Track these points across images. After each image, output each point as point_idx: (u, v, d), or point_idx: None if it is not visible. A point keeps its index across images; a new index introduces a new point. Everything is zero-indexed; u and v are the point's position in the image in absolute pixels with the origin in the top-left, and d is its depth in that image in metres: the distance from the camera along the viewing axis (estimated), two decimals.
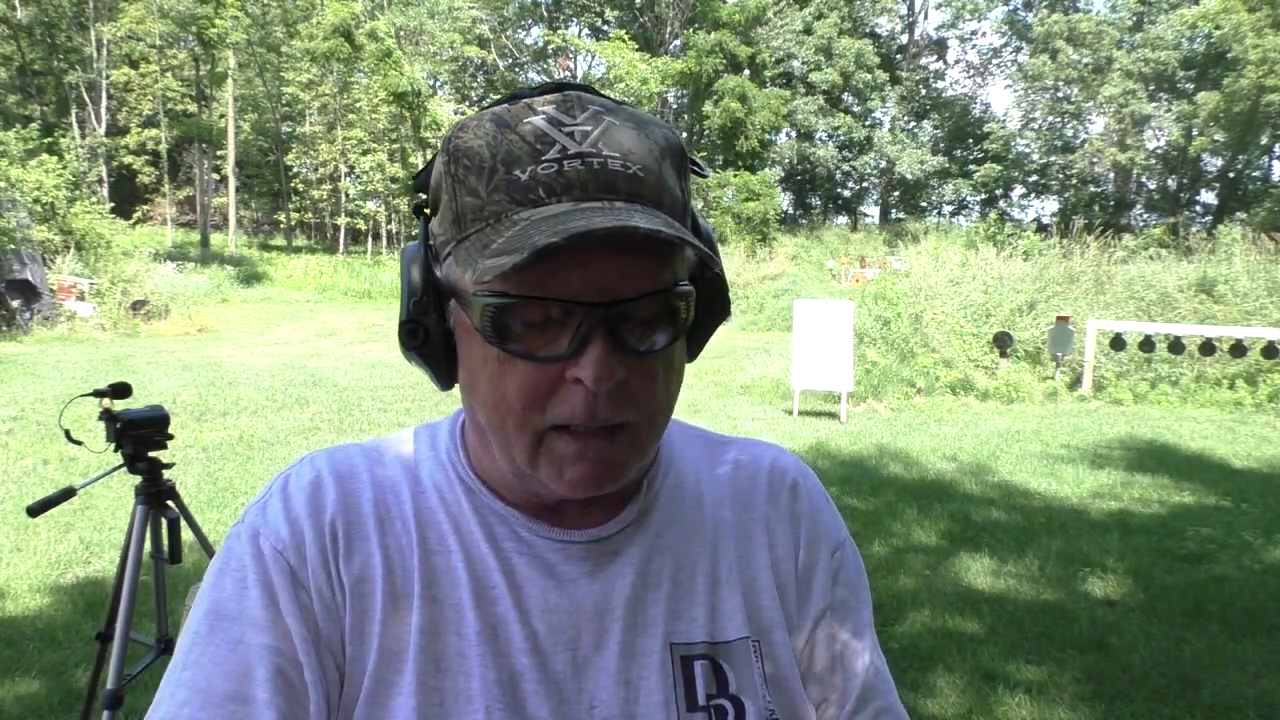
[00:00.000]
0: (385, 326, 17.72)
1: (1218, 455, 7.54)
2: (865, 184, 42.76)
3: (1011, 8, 40.57)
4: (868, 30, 40.28)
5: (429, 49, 35.37)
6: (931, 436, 8.09)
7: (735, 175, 31.68)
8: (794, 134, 39.48)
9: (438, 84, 38.88)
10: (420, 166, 0.71)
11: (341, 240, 37.16)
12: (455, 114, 32.85)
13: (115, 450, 2.36)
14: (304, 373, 11.31)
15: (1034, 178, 40.42)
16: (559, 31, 38.48)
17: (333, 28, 28.73)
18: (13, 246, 14.26)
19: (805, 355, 9.08)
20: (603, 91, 0.66)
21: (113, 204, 21.69)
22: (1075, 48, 36.12)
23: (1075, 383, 11.06)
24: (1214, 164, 37.32)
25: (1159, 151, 37.68)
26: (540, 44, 40.90)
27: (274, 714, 0.61)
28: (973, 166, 39.49)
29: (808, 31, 36.74)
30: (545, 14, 42.36)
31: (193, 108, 36.56)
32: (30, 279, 14.48)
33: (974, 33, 48.35)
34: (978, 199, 40.82)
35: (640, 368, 0.61)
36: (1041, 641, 3.67)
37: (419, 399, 9.22)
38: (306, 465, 0.71)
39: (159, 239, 30.01)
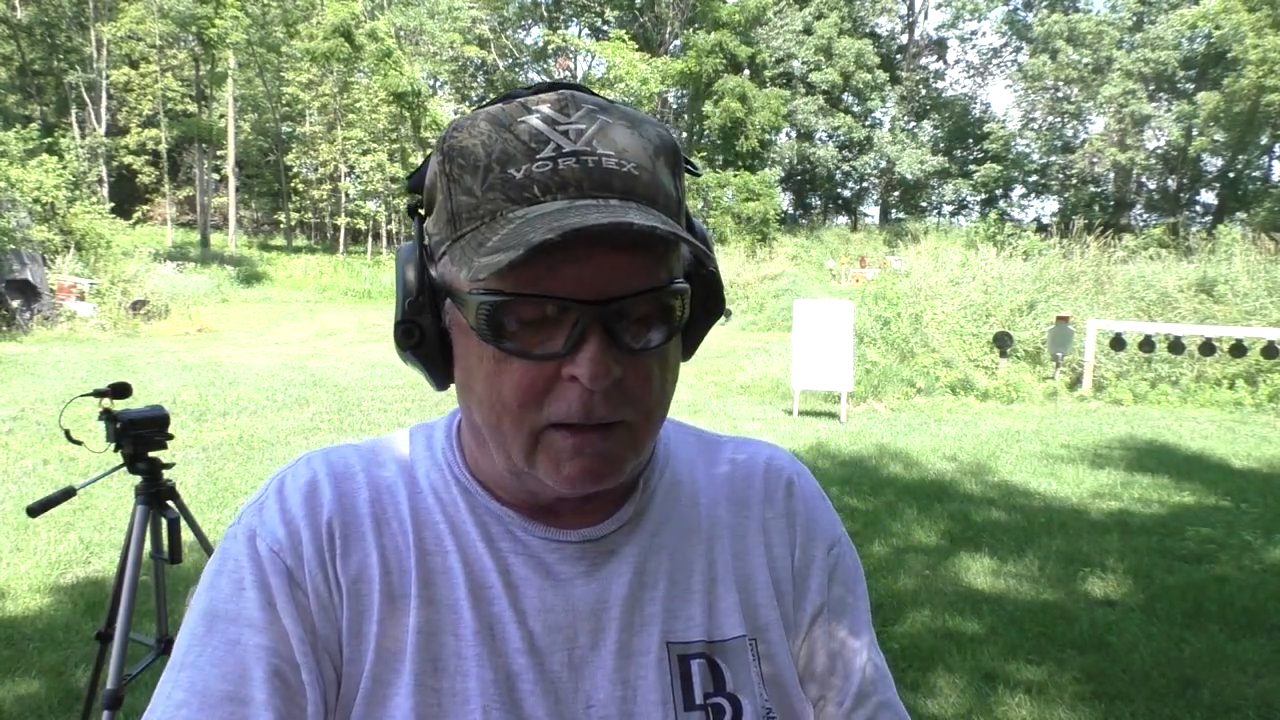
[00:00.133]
0: (385, 326, 17.72)
1: (1218, 455, 7.54)
2: (865, 184, 42.77)
3: (1011, 8, 40.60)
4: (868, 30, 40.28)
5: (429, 49, 35.39)
6: (931, 436, 8.09)
7: (735, 175, 31.67)
8: (794, 134, 39.50)
9: (438, 84, 38.91)
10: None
11: (341, 240, 37.17)
12: (455, 114, 32.84)
13: (115, 450, 2.36)
14: (304, 373, 11.31)
15: (1034, 178, 40.43)
16: (559, 31, 38.50)
17: (333, 28, 28.74)
18: (13, 246, 14.26)
19: (805, 355, 9.08)
20: (602, 91, 0.66)
21: (113, 204, 21.70)
22: (1075, 48, 36.12)
23: (1075, 383, 11.06)
24: (1214, 164, 37.32)
25: (1159, 151, 37.68)
26: (540, 44, 40.93)
27: (272, 715, 0.61)
28: (973, 166, 39.50)
29: (808, 31, 36.75)
30: (545, 14, 42.38)
31: (193, 108, 36.58)
32: (30, 279, 14.48)
33: (974, 33, 48.49)
34: (978, 199, 40.83)
35: (636, 365, 0.61)
36: (1041, 641, 3.67)
37: (419, 399, 9.22)
38: (303, 466, 0.71)
39: (159, 239, 30.02)
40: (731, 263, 24.29)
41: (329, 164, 37.46)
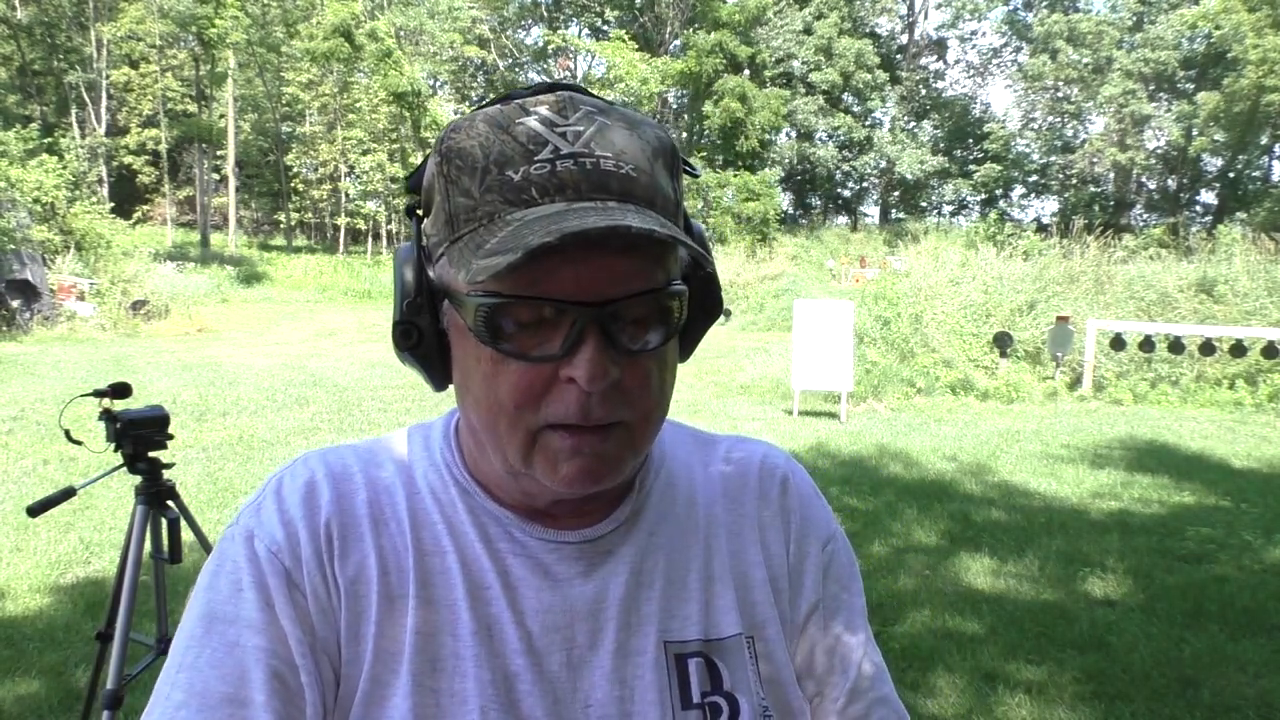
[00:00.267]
0: (385, 326, 17.57)
1: (1218, 455, 7.54)
2: (865, 184, 42.77)
3: (1011, 8, 40.59)
4: (868, 30, 40.28)
5: (429, 49, 35.39)
6: (931, 436, 8.09)
7: (735, 175, 31.66)
8: (794, 134, 39.50)
9: (438, 84, 38.91)
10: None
11: (341, 240, 37.18)
12: (455, 114, 32.82)
13: (115, 450, 2.36)
14: (304, 373, 11.31)
15: (1034, 178, 40.43)
16: (559, 31, 38.50)
17: (333, 28, 28.75)
18: (13, 246, 14.26)
19: (805, 355, 9.08)
20: (602, 92, 0.66)
21: (113, 204, 21.71)
22: (1075, 48, 36.11)
23: (1075, 383, 11.06)
24: (1214, 164, 37.32)
25: (1159, 151, 37.68)
26: (540, 44, 40.93)
27: (271, 716, 0.61)
28: (973, 166, 39.50)
29: (808, 31, 36.74)
30: (545, 14, 42.37)
31: (193, 108, 36.59)
32: (30, 279, 14.48)
33: (974, 33, 48.46)
34: (978, 199, 40.82)
35: (634, 367, 0.61)
36: (1041, 641, 3.67)
37: (419, 399, 9.22)
38: (300, 466, 0.71)
39: (159, 239, 30.02)
40: (731, 263, 24.29)
41: (329, 164, 37.47)
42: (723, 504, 0.77)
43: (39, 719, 2.92)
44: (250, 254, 31.68)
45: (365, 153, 34.54)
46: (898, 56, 42.32)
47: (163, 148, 35.79)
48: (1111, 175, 39.01)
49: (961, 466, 6.88)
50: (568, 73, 40.28)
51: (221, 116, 34.99)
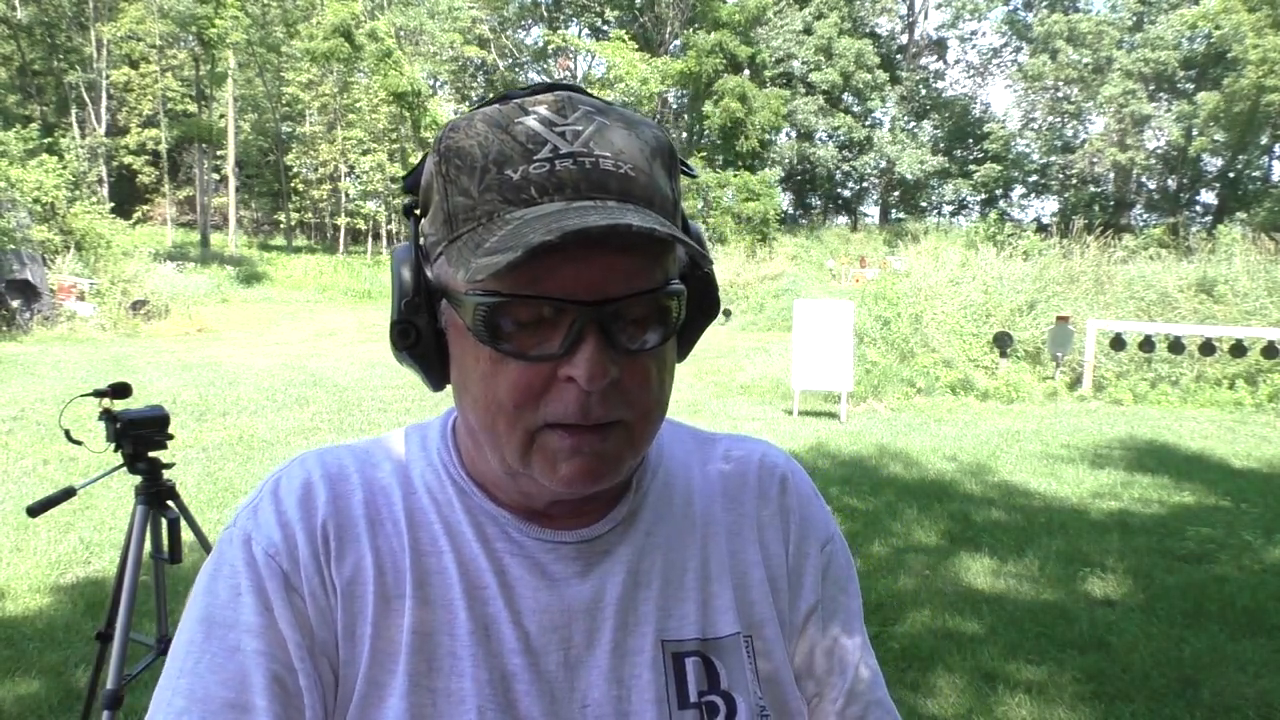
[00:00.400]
0: (384, 326, 17.46)
1: (1218, 455, 7.54)
2: (865, 184, 42.77)
3: (1011, 8, 40.60)
4: (868, 30, 40.28)
5: (429, 49, 35.40)
6: (931, 436, 8.09)
7: (735, 175, 31.67)
8: (794, 134, 39.50)
9: (438, 84, 38.92)
10: None
11: (341, 240, 37.19)
12: (455, 114, 32.83)
13: (115, 450, 2.36)
14: (304, 373, 11.31)
15: (1034, 178, 40.43)
16: (559, 31, 38.51)
17: (333, 28, 28.75)
18: (13, 246, 14.27)
19: (805, 355, 9.08)
20: (602, 92, 0.66)
21: (113, 204, 21.72)
22: (1075, 48, 36.11)
23: (1075, 383, 11.06)
24: (1214, 164, 37.32)
25: (1159, 151, 37.68)
26: (540, 44, 40.94)
27: None
28: (973, 166, 39.50)
29: (808, 31, 36.74)
30: (545, 14, 42.38)
31: (193, 108, 36.59)
32: (30, 279, 14.48)
33: (974, 33, 48.49)
34: (978, 199, 40.82)
35: (633, 366, 0.61)
36: (1041, 641, 3.67)
37: (419, 399, 9.22)
38: (297, 467, 0.70)
39: (159, 239, 30.02)
40: (731, 263, 24.29)
41: (329, 164, 37.48)
42: (721, 503, 0.76)
43: (39, 719, 2.92)
44: (250, 254, 31.68)
45: (365, 153, 34.55)
46: (898, 56, 42.32)
47: (163, 148, 35.79)
48: (1111, 175, 39.02)
49: (961, 466, 6.88)
50: (568, 73, 40.29)
51: (221, 116, 35.00)
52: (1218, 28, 31.39)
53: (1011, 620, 3.89)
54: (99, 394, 2.35)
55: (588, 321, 0.58)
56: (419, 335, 0.65)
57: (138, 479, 2.39)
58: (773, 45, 35.80)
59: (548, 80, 0.68)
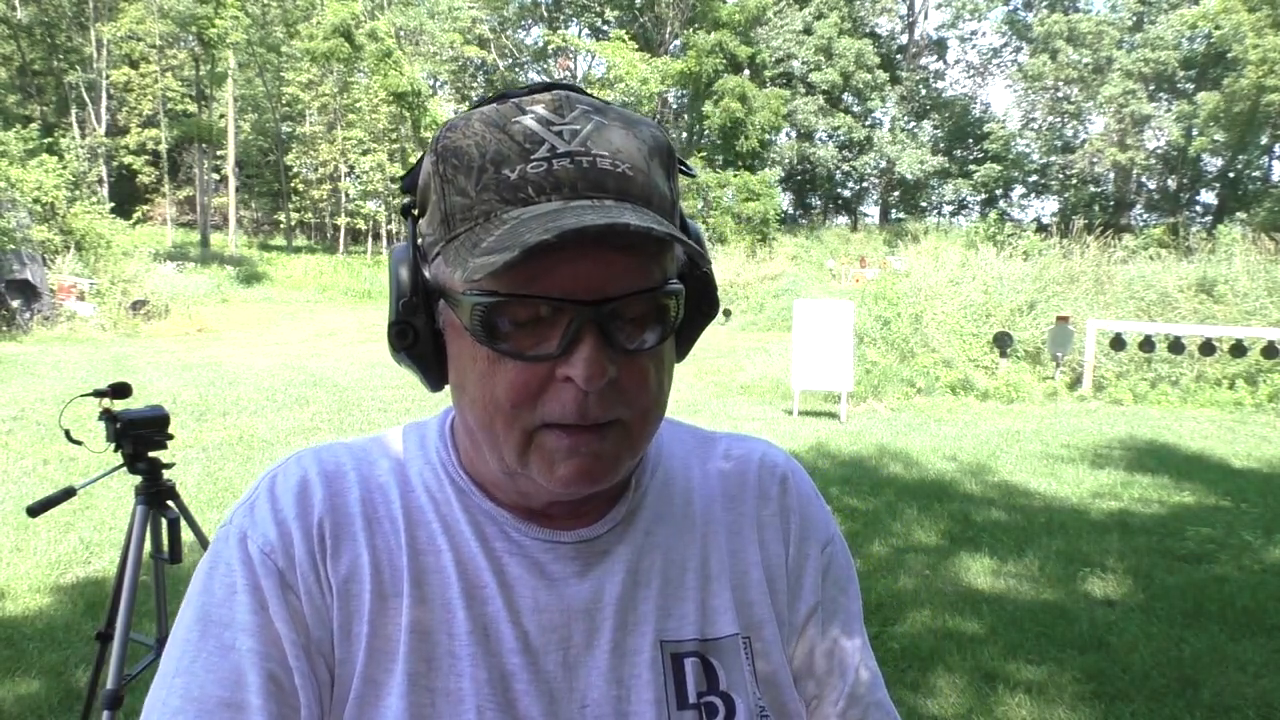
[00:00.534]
0: (384, 326, 17.53)
1: (1218, 455, 7.54)
2: (865, 184, 42.77)
3: (1011, 8, 40.59)
4: (868, 30, 40.28)
5: (429, 49, 35.40)
6: (931, 436, 8.09)
7: (735, 175, 31.67)
8: (794, 134, 39.50)
9: (438, 84, 38.92)
10: None
11: (341, 240, 37.19)
12: (454, 114, 32.85)
13: (115, 450, 2.36)
14: (304, 373, 11.31)
15: (1034, 178, 40.42)
16: (559, 31, 38.50)
17: (333, 28, 28.76)
18: (13, 246, 14.26)
19: (805, 355, 9.08)
20: (602, 92, 0.66)
21: (113, 204, 21.68)
22: (1075, 48, 36.12)
23: (1075, 383, 11.06)
24: (1214, 164, 37.32)
25: (1159, 151, 37.69)
26: (540, 44, 40.94)
27: (267, 719, 0.61)
28: (973, 166, 39.49)
29: (808, 31, 36.75)
30: (545, 14, 42.37)
31: (193, 108, 36.58)
32: (30, 279, 14.49)
33: (974, 33, 48.48)
34: (978, 199, 40.82)
35: (631, 365, 0.61)
36: (1041, 641, 3.67)
37: (418, 399, 9.22)
38: (293, 465, 0.70)
39: (159, 239, 30.02)
40: (731, 263, 24.29)
41: (329, 164, 37.47)
42: (721, 503, 0.76)
43: (39, 719, 2.92)
44: (250, 254, 31.68)
45: (365, 153, 34.54)
46: (898, 56, 42.32)
47: (163, 148, 35.79)
48: (1111, 175, 39.02)
49: (961, 466, 6.88)
50: (568, 73, 40.29)
51: (221, 116, 35.00)
52: (1218, 28, 31.39)
53: (1011, 620, 3.89)
54: (99, 394, 2.35)
55: (585, 321, 0.58)
56: (417, 335, 0.65)
57: (138, 479, 2.39)
58: (773, 45, 35.80)
59: (547, 80, 0.68)
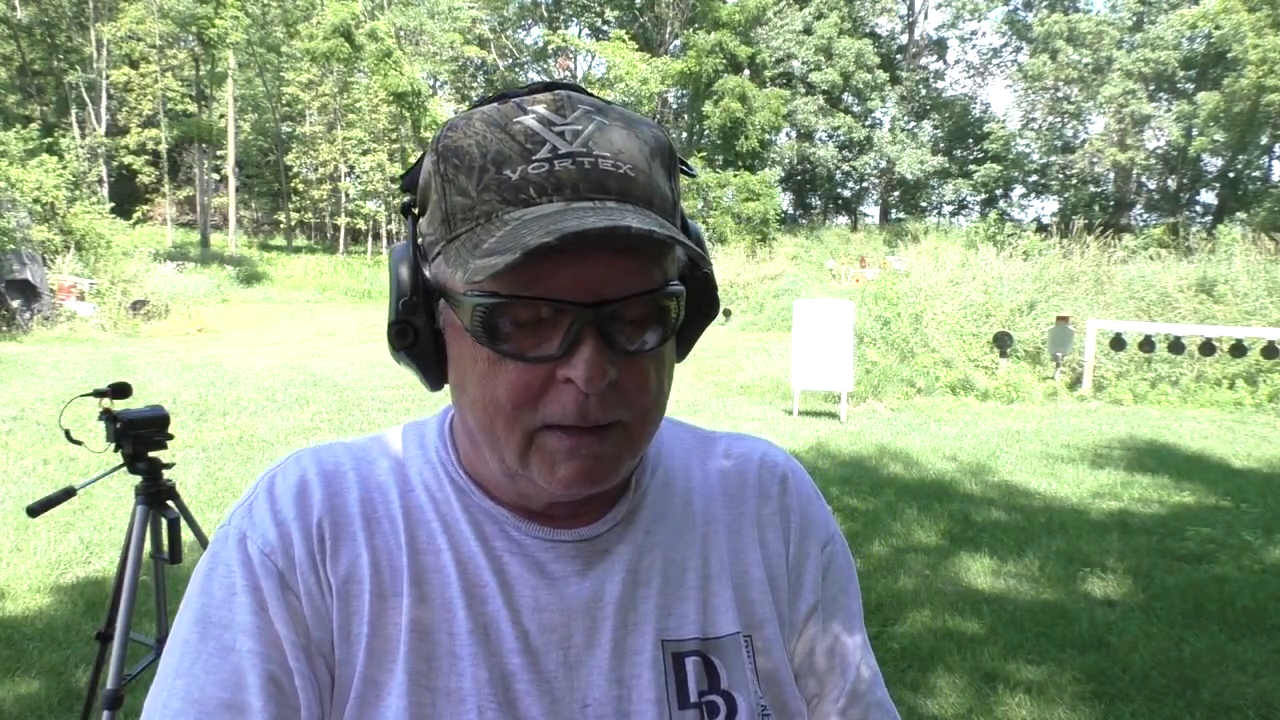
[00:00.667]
0: (384, 326, 17.64)
1: (1218, 455, 7.54)
2: (865, 184, 42.78)
3: (1011, 8, 40.60)
4: (868, 30, 40.28)
5: (429, 49, 35.40)
6: (931, 436, 8.09)
7: (735, 175, 31.67)
8: (794, 134, 39.50)
9: (438, 84, 38.92)
10: None
11: (341, 240, 37.19)
12: (456, 113, 32.86)
13: (115, 450, 2.36)
14: (304, 373, 11.31)
15: (1034, 178, 40.42)
16: (559, 31, 38.50)
17: (333, 28, 28.76)
18: (13, 246, 14.26)
19: (805, 355, 9.08)
20: (602, 92, 0.66)
21: (113, 204, 21.68)
22: (1075, 48, 36.12)
23: (1075, 383, 11.06)
24: (1214, 164, 37.32)
25: (1159, 151, 37.69)
26: (540, 44, 40.94)
27: None
28: (973, 166, 39.49)
29: (808, 31, 36.75)
30: (545, 14, 42.37)
31: (193, 108, 36.58)
32: (30, 279, 14.49)
33: (974, 33, 48.48)
34: (978, 199, 40.82)
35: (631, 367, 0.61)
36: (1041, 641, 3.67)
37: (419, 399, 9.22)
38: (292, 464, 0.70)
39: (159, 239, 30.02)
40: (731, 263, 24.29)
41: (329, 164, 37.47)
42: (721, 502, 0.76)
43: (39, 719, 2.92)
44: (250, 254, 31.68)
45: (365, 153, 34.54)
46: (898, 56, 42.32)
47: (163, 148, 35.78)
48: (1111, 175, 39.02)
49: (961, 466, 6.88)
50: (568, 73, 40.29)
51: (221, 116, 35.00)
52: (1218, 28, 31.38)
53: (1011, 620, 3.89)
54: (99, 394, 2.35)
55: (586, 323, 0.58)
56: (417, 335, 0.65)
57: (138, 479, 2.39)
58: (773, 45, 35.81)
59: (547, 80, 0.68)
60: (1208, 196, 39.07)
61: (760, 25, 35.12)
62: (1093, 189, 38.91)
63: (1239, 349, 10.46)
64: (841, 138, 39.11)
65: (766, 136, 34.90)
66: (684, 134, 36.85)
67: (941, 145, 40.86)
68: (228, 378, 10.57)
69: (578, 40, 36.88)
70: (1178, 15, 34.34)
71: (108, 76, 35.73)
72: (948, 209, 43.67)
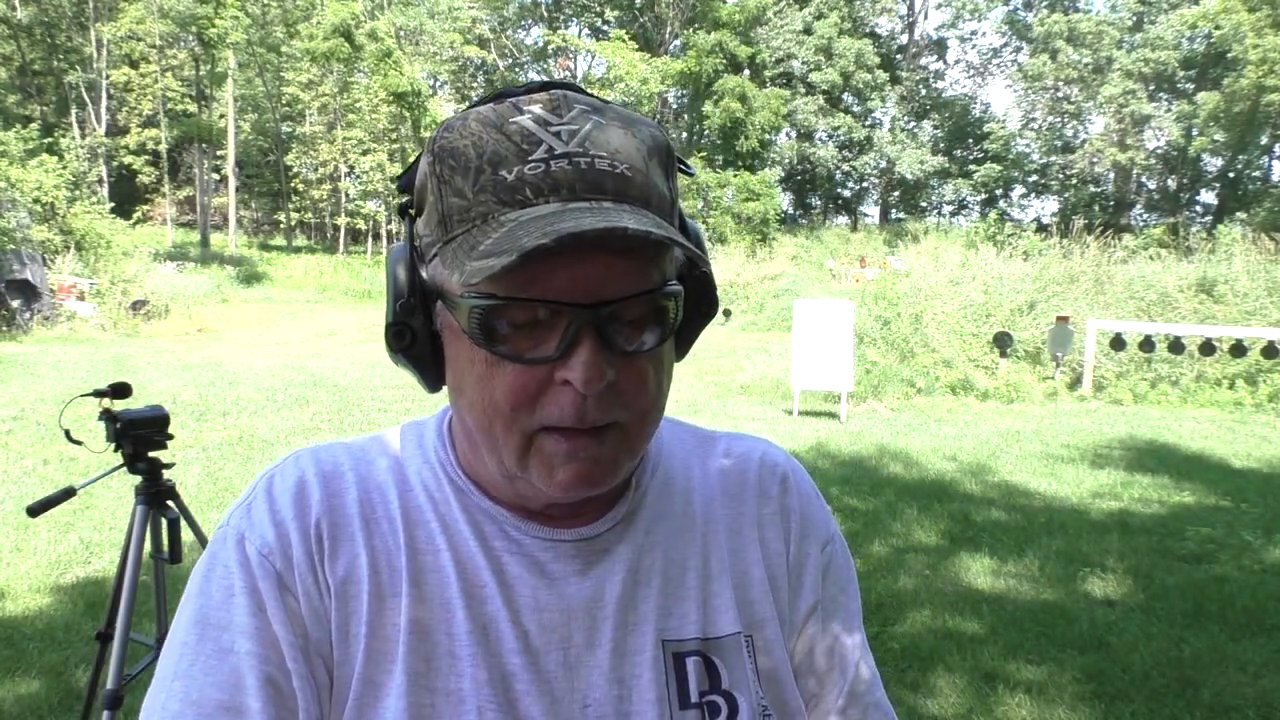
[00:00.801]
0: (383, 327, 17.71)
1: (1218, 455, 7.54)
2: (865, 184, 42.78)
3: (1011, 8, 40.60)
4: (868, 30, 40.28)
5: (429, 49, 35.40)
6: (931, 436, 8.09)
7: (735, 175, 31.66)
8: (794, 134, 39.50)
9: (438, 84, 38.91)
10: None
11: (341, 240, 37.19)
12: (453, 113, 32.87)
13: (115, 450, 2.36)
14: (304, 373, 11.31)
15: (1034, 178, 40.42)
16: (559, 31, 38.50)
17: (333, 28, 28.77)
18: (13, 246, 14.27)
19: (805, 355, 9.08)
20: (602, 92, 0.66)
21: (113, 204, 21.67)
22: (1075, 48, 36.11)
23: (1075, 383, 11.06)
24: (1214, 164, 37.32)
25: (1159, 151, 37.68)
26: (540, 44, 40.94)
27: None
28: (973, 166, 39.49)
29: (808, 31, 36.74)
30: (545, 14, 42.37)
31: (193, 108, 36.58)
32: (30, 279, 14.49)
33: (974, 33, 48.47)
34: (978, 199, 40.82)
35: (629, 368, 0.61)
36: (1041, 641, 3.67)
37: (418, 399, 9.22)
38: (291, 465, 0.70)
39: (159, 239, 30.01)
40: (731, 263, 24.29)
41: (329, 164, 37.47)
42: (721, 501, 0.76)
43: (39, 719, 2.92)
44: (250, 254, 31.68)
45: (365, 153, 34.55)
46: (898, 56, 42.32)
47: (163, 148, 35.78)
48: (1111, 175, 39.02)
49: (961, 466, 6.88)
50: (568, 73, 40.28)
51: (221, 116, 35.00)
52: (1218, 28, 31.38)
53: (1011, 620, 3.89)
54: (99, 394, 2.35)
55: (584, 324, 0.58)
56: (414, 337, 0.65)
57: (138, 479, 2.39)
58: (773, 45, 35.80)
59: (544, 80, 0.67)
60: (1208, 196, 39.12)
61: (760, 25, 35.12)
62: (1093, 189, 38.92)
63: (1239, 349, 10.46)
64: (841, 138, 39.11)
65: (766, 136, 34.91)
66: (684, 134, 36.85)
67: (941, 145, 40.86)
68: (228, 378, 10.57)
69: (578, 40, 36.89)
70: (1178, 15, 34.34)
71: (108, 76, 35.72)
72: (948, 209, 43.70)
